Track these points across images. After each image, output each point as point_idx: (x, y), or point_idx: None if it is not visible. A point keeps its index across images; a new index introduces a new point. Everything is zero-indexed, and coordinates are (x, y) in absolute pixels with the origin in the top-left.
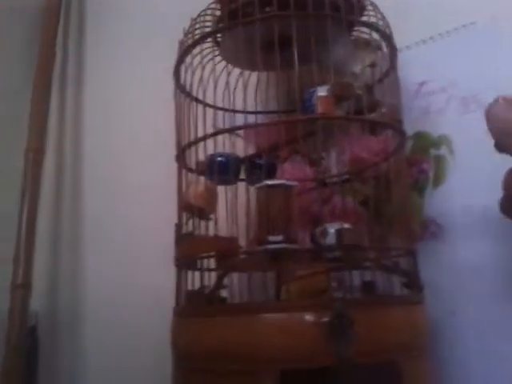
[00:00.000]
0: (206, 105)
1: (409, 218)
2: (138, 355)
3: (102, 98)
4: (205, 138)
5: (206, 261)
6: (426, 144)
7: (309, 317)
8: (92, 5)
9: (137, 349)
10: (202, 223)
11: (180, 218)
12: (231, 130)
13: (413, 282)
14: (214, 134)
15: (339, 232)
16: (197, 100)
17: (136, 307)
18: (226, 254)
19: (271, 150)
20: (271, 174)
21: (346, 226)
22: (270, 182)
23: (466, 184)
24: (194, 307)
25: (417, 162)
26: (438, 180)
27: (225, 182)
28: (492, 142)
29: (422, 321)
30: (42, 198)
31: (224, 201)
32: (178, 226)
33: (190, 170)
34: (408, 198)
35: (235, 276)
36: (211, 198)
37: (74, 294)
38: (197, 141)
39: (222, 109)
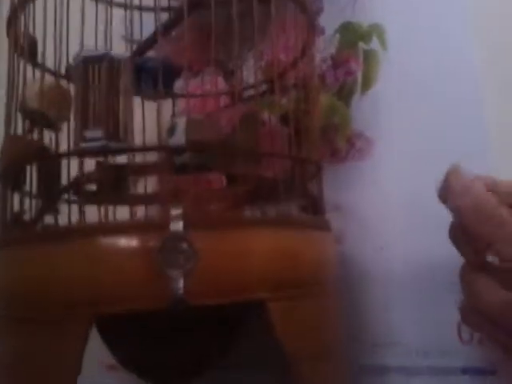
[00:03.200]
0: None
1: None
2: None
3: None
4: None
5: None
6: (354, 37)
7: (132, 242)
8: None
9: None
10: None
11: (8, 123)
12: None
13: (311, 203)
14: None
15: (189, 125)
16: None
17: None
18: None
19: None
20: (168, 82)
21: (199, 117)
22: (86, 54)
23: (401, 85)
24: None
25: (343, 61)
26: (368, 82)
27: None
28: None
29: (320, 252)
30: None
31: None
32: (7, 134)
33: (20, 51)
34: (329, 108)
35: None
36: (60, 100)
37: None
38: None
39: None
